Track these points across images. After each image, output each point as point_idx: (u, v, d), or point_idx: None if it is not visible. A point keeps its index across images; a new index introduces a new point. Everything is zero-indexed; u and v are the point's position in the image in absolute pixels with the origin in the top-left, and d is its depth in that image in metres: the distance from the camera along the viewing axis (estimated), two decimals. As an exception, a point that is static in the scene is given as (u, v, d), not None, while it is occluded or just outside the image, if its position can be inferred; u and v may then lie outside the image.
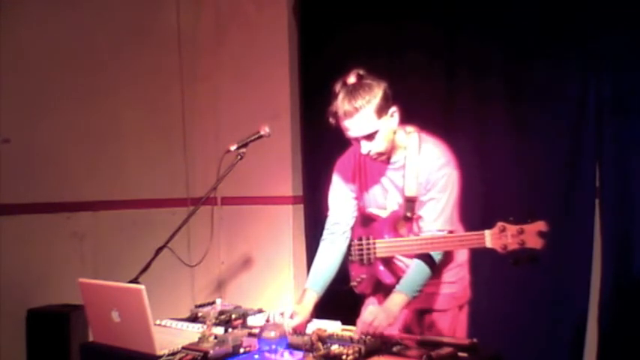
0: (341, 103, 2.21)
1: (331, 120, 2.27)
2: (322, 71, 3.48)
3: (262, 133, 2.63)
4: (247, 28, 4.42)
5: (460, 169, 2.37)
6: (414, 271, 2.30)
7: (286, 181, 4.26)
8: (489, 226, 2.07)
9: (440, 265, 2.36)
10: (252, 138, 2.63)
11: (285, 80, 4.24)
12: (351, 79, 2.25)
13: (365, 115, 2.20)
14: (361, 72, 2.26)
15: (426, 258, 2.29)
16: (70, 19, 3.83)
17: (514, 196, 3.30)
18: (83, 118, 3.89)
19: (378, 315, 2.18)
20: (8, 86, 3.56)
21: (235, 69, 4.47)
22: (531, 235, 2.00)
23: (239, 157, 2.62)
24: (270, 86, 4.30)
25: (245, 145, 2.62)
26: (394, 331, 2.27)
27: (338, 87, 2.26)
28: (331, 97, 2.26)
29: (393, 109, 2.27)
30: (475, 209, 2.40)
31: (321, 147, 3.65)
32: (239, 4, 4.47)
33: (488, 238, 2.06)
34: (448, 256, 2.43)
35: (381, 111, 2.22)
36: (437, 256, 2.31)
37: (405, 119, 2.38)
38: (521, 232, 2.01)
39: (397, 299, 2.26)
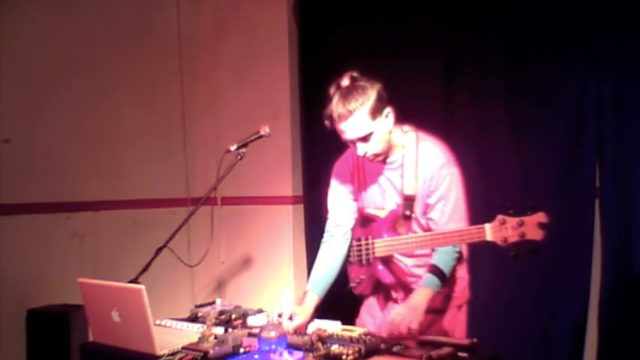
0: (335, 107, 2.23)
1: (327, 123, 2.28)
2: (322, 71, 3.47)
3: (262, 133, 2.63)
4: (247, 28, 4.42)
5: (459, 167, 2.38)
6: (429, 277, 2.30)
7: (286, 181, 4.26)
8: (488, 222, 2.07)
9: (450, 279, 2.37)
10: (252, 138, 2.63)
11: (285, 80, 4.24)
12: (345, 81, 2.27)
13: (359, 117, 2.21)
14: (355, 74, 2.28)
15: (437, 272, 2.29)
16: (69, 19, 3.83)
17: (514, 195, 3.30)
18: (83, 118, 3.89)
19: (406, 315, 2.18)
20: (8, 86, 3.56)
21: (235, 69, 4.48)
22: (531, 226, 2.00)
23: (239, 157, 2.62)
24: (270, 86, 4.30)
25: (245, 145, 2.62)
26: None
27: (332, 90, 2.27)
28: (326, 100, 2.26)
29: (388, 109, 2.27)
30: (474, 207, 2.40)
31: (321, 147, 3.64)
32: (239, 4, 4.47)
33: (489, 232, 2.06)
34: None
35: (375, 112, 2.23)
36: (446, 268, 2.31)
37: (405, 118, 2.38)
38: (522, 224, 2.00)
39: (422, 292, 2.26)
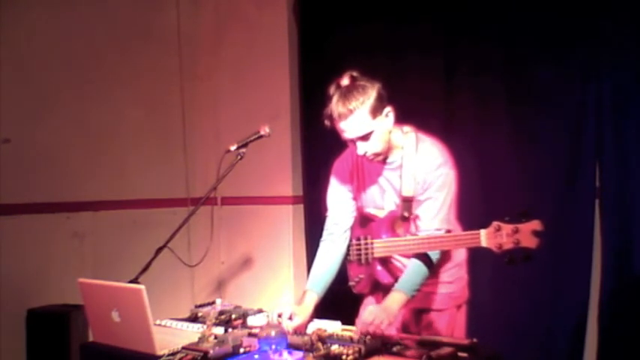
0: (335, 106, 2.22)
1: (327, 123, 2.28)
2: (322, 71, 3.48)
3: (262, 133, 2.63)
4: (247, 28, 4.42)
5: (458, 169, 2.38)
6: (412, 271, 2.30)
7: (286, 181, 4.26)
8: (487, 226, 2.07)
9: (437, 265, 2.37)
10: (252, 138, 2.63)
11: (285, 80, 4.24)
12: (345, 81, 2.27)
13: (359, 116, 2.21)
14: (354, 74, 2.28)
15: (424, 257, 2.29)
16: (69, 19, 3.83)
17: (513, 196, 3.30)
18: (83, 118, 3.89)
19: (378, 314, 2.18)
20: (8, 86, 3.56)
21: (235, 69, 4.48)
22: (526, 234, 2.00)
23: (239, 157, 2.62)
24: (270, 86, 4.30)
25: (245, 145, 2.62)
26: (393, 331, 2.27)
27: (332, 89, 2.27)
28: (326, 99, 2.26)
29: (388, 109, 2.28)
30: (473, 209, 2.40)
31: (321, 147, 3.64)
32: (239, 4, 4.48)
33: (484, 238, 2.06)
34: (446, 256, 2.43)
35: (376, 111, 2.23)
36: (434, 255, 2.31)
37: (404, 119, 2.38)
38: (516, 231, 2.01)
39: (396, 298, 2.26)
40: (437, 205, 2.31)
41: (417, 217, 2.35)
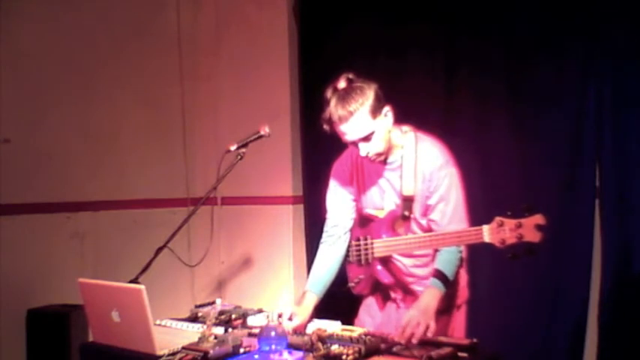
0: (334, 109, 2.22)
1: (325, 127, 2.27)
2: (322, 71, 3.48)
3: (262, 133, 2.63)
4: (247, 28, 4.42)
5: (458, 168, 2.38)
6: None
7: (286, 181, 4.26)
8: (487, 223, 2.07)
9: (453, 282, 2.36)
10: (252, 138, 2.63)
11: (285, 80, 4.24)
12: (342, 84, 2.26)
13: (360, 117, 2.20)
14: (350, 76, 2.27)
15: (439, 275, 2.28)
16: (69, 19, 3.83)
17: (513, 195, 3.30)
18: (83, 118, 3.90)
19: (420, 318, 2.15)
20: (8, 86, 3.56)
21: (235, 69, 4.48)
22: (529, 228, 2.00)
23: (239, 157, 2.62)
24: (270, 86, 4.30)
25: (245, 145, 2.62)
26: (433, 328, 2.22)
27: (329, 93, 2.26)
28: (323, 104, 2.26)
29: (387, 108, 2.28)
30: (474, 207, 2.40)
31: (321, 147, 3.64)
32: (239, 4, 4.48)
33: (487, 233, 2.06)
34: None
35: (375, 111, 2.22)
36: (450, 272, 2.30)
37: (404, 119, 2.38)
38: (519, 225, 2.01)
39: (431, 294, 2.24)
40: (450, 208, 2.31)
41: (431, 221, 2.35)
